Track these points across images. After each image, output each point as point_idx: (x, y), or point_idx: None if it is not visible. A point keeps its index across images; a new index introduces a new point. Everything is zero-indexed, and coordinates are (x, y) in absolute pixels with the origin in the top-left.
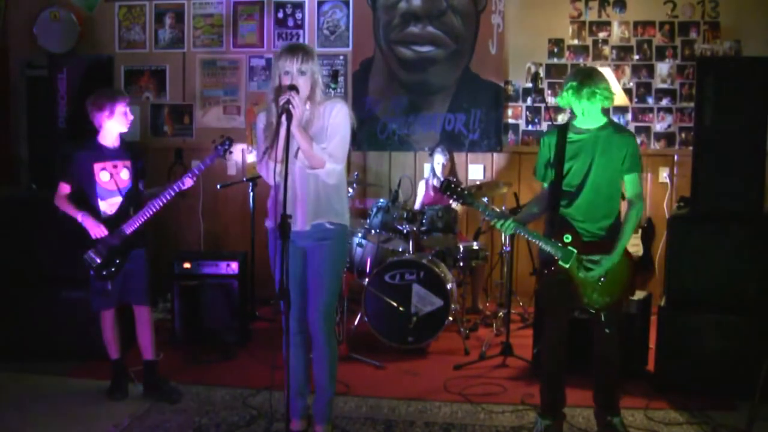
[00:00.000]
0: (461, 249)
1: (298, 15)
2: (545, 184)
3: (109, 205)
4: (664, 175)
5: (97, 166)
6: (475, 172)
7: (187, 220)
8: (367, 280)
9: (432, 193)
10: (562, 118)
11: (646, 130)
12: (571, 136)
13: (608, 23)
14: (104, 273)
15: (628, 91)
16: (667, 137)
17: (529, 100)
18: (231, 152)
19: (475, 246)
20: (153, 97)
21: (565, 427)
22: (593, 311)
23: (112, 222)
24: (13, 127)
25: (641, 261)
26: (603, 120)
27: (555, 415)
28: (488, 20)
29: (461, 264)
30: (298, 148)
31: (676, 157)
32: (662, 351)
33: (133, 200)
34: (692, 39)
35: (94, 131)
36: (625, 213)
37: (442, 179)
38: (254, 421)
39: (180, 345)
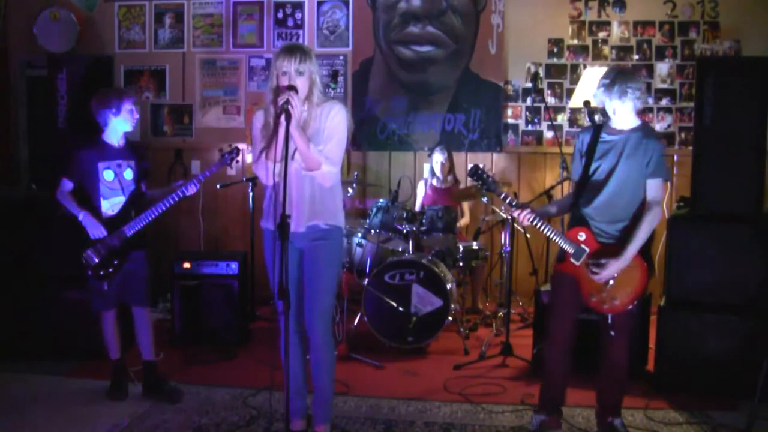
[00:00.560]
0: (461, 249)
1: (298, 15)
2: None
3: (111, 205)
4: None
5: (101, 165)
6: None
7: (187, 220)
8: (366, 280)
9: (431, 193)
10: (561, 119)
11: None
12: (604, 136)
13: (608, 23)
14: (101, 273)
15: None
16: (667, 137)
17: (528, 100)
18: (237, 161)
19: (474, 246)
20: (153, 97)
21: (565, 427)
22: (601, 313)
23: (114, 222)
24: (12, 126)
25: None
26: (636, 122)
27: (551, 414)
28: (488, 20)
29: (461, 264)
30: (295, 149)
31: (675, 157)
32: (662, 351)
33: (135, 201)
34: (692, 39)
35: (95, 130)
36: (642, 217)
37: (442, 178)
38: (254, 421)
39: (180, 345)
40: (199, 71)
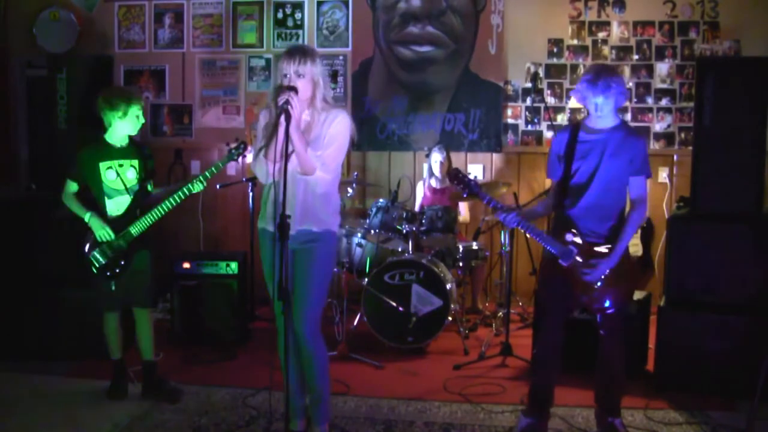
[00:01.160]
0: (461, 249)
1: (298, 15)
2: (555, 181)
3: (116, 204)
4: (663, 175)
5: (102, 165)
6: (475, 172)
7: (187, 220)
8: (366, 280)
9: (430, 194)
10: (561, 119)
11: (646, 130)
12: (583, 135)
13: (608, 23)
14: (108, 274)
15: (627, 91)
16: (667, 137)
17: (528, 100)
18: (244, 156)
19: (474, 246)
20: (152, 97)
21: (564, 427)
22: (591, 312)
23: (119, 222)
24: (12, 127)
25: (641, 261)
26: (616, 121)
27: (540, 415)
28: (488, 20)
29: (461, 264)
30: (293, 150)
31: (675, 157)
32: (662, 351)
33: (140, 201)
34: (692, 39)
35: (95, 130)
36: (627, 215)
37: (440, 178)
38: (254, 421)
39: (180, 345)
40: (199, 71)
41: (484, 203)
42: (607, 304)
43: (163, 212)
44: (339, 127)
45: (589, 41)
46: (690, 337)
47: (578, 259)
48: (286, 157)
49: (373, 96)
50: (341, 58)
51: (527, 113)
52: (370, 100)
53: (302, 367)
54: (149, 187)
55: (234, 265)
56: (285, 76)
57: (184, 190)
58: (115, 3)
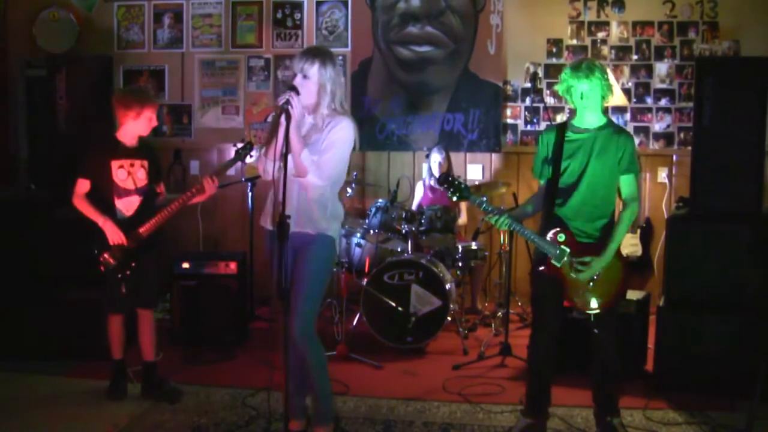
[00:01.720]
0: (460, 249)
1: (297, 15)
2: (542, 182)
3: (124, 204)
4: (662, 175)
5: (114, 163)
6: (474, 172)
7: (186, 220)
8: (365, 280)
9: (429, 194)
10: (560, 119)
11: (645, 130)
12: (570, 135)
13: (607, 23)
14: (119, 276)
15: (626, 91)
16: (666, 137)
17: (527, 100)
18: (251, 156)
19: (473, 246)
20: None
21: (564, 427)
22: (585, 312)
23: (129, 224)
24: (12, 127)
25: (640, 261)
26: (603, 120)
27: (538, 415)
28: (487, 20)
29: (460, 264)
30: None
31: (674, 157)
32: (661, 351)
33: (150, 202)
34: (691, 39)
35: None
36: (619, 214)
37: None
38: (253, 421)
39: (179, 345)
40: (198, 71)
41: (476, 206)
42: (599, 303)
43: (170, 214)
44: (339, 133)
45: (588, 41)
46: (689, 337)
47: (570, 258)
48: (286, 156)
49: (372, 96)
50: (340, 58)
51: (526, 113)
52: (369, 100)
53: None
54: (161, 189)
55: (233, 265)
56: (293, 75)
57: (192, 190)
58: (115, 3)
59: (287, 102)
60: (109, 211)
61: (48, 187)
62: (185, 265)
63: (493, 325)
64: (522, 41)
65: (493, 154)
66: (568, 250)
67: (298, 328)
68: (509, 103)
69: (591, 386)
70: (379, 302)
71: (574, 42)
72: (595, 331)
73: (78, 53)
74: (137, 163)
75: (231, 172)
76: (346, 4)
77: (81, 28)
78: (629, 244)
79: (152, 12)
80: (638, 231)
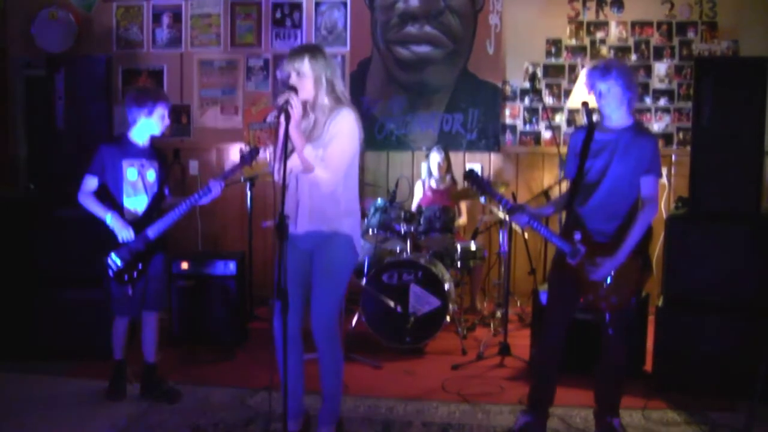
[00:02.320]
0: (459, 249)
1: (296, 15)
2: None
3: (134, 205)
4: None
5: (125, 163)
6: None
7: (185, 220)
8: (364, 280)
9: (428, 194)
10: (559, 119)
11: None
12: (597, 135)
13: (606, 23)
14: (126, 278)
15: None
16: (665, 137)
17: (526, 100)
18: (256, 160)
19: (472, 246)
20: None
21: (563, 428)
22: (598, 311)
23: (138, 225)
24: (11, 127)
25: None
26: (630, 121)
27: (538, 413)
28: (486, 20)
29: (459, 264)
30: (293, 149)
31: (673, 157)
32: (660, 351)
33: (158, 204)
34: (690, 39)
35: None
36: (636, 215)
37: (439, 179)
38: (252, 421)
39: (178, 345)
40: (197, 71)
41: (496, 201)
42: (614, 302)
43: (178, 215)
44: (341, 124)
45: (587, 41)
46: (688, 338)
47: (586, 257)
48: (285, 156)
49: (371, 96)
50: (339, 58)
51: (525, 113)
52: (368, 100)
53: (319, 369)
54: (166, 191)
55: (232, 265)
56: (288, 76)
57: (200, 193)
58: (114, 3)
59: (287, 102)
60: (117, 210)
61: (47, 187)
62: (184, 265)
63: (492, 325)
64: (521, 41)
65: (492, 154)
66: (583, 249)
67: (324, 330)
68: (508, 103)
69: (595, 386)
70: (378, 302)
71: (573, 42)
72: (609, 331)
73: (77, 53)
74: (148, 164)
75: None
76: (345, 4)
77: (80, 28)
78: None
79: (151, 12)
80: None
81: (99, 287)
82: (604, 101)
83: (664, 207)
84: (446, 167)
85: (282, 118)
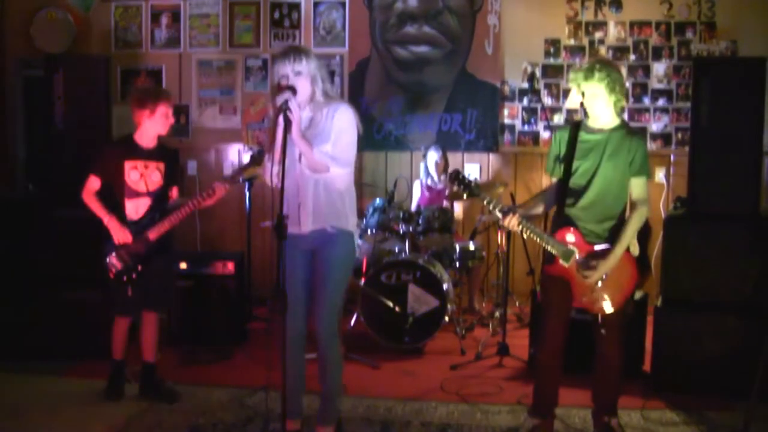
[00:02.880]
0: (458, 249)
1: (294, 15)
2: (553, 179)
3: (135, 206)
4: (660, 175)
5: (127, 164)
6: (472, 172)
7: (184, 220)
8: (363, 280)
9: (426, 194)
10: (558, 119)
11: (643, 131)
12: (583, 135)
13: (604, 23)
14: (125, 279)
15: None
16: (664, 137)
17: (525, 101)
18: (260, 164)
19: (471, 246)
20: None
21: (561, 428)
22: (593, 313)
23: (138, 226)
24: (10, 127)
25: (637, 261)
26: (616, 121)
27: (545, 415)
28: (484, 20)
29: (458, 264)
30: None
31: (672, 158)
32: (659, 351)
33: (160, 205)
34: (688, 39)
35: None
36: (627, 216)
37: (437, 178)
38: (251, 421)
39: (177, 345)
40: (196, 71)
41: (485, 204)
42: (606, 304)
43: (181, 218)
44: (343, 121)
45: (585, 41)
46: (687, 338)
47: (578, 259)
48: (284, 155)
49: (369, 96)
50: (338, 58)
51: (524, 113)
52: (366, 101)
53: (318, 368)
54: (172, 192)
55: (231, 266)
56: (283, 77)
57: (204, 194)
58: (112, 3)
59: (286, 102)
60: (118, 211)
61: (46, 187)
62: (183, 266)
63: (490, 325)
64: (519, 41)
65: (491, 154)
66: (576, 250)
67: (325, 327)
68: (507, 103)
69: (592, 386)
70: (377, 302)
71: (572, 42)
72: (602, 331)
73: (75, 53)
74: (152, 165)
75: (228, 172)
76: (343, 5)
77: (78, 28)
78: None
79: (150, 12)
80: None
81: (98, 287)
82: (589, 102)
83: (662, 207)
84: (444, 166)
85: (281, 119)
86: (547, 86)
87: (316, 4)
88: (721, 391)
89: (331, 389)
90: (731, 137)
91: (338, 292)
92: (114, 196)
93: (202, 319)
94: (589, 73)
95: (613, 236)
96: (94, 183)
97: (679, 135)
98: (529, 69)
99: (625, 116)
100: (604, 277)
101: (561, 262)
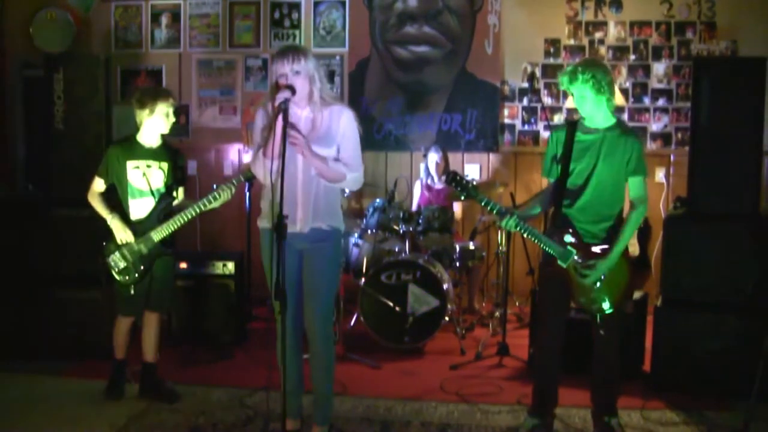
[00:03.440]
0: (457, 249)
1: (294, 15)
2: (550, 180)
3: (138, 205)
4: (660, 175)
5: (130, 164)
6: (472, 171)
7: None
8: (363, 280)
9: (426, 193)
10: (558, 119)
11: (643, 130)
12: (579, 135)
13: (604, 23)
14: (127, 278)
15: (624, 91)
16: (664, 137)
17: (525, 100)
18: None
19: (471, 246)
20: None
21: (561, 427)
22: (591, 312)
23: (141, 226)
24: (9, 127)
25: (637, 261)
26: (611, 120)
27: (544, 415)
28: (484, 20)
29: (458, 264)
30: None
31: (672, 157)
32: (658, 351)
33: (164, 205)
34: (688, 39)
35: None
36: (626, 216)
37: (437, 178)
38: (251, 421)
39: (177, 345)
40: (196, 71)
41: (482, 206)
42: (605, 304)
43: (186, 219)
44: (348, 127)
45: (585, 41)
46: (687, 338)
47: (576, 260)
48: (284, 155)
49: (369, 96)
50: (338, 58)
51: (524, 113)
52: (366, 101)
53: (310, 367)
54: (178, 193)
55: (231, 265)
56: (282, 76)
57: (210, 197)
58: (112, 3)
59: (285, 102)
60: (121, 211)
61: (45, 187)
62: (183, 266)
63: (490, 325)
64: (519, 41)
65: (491, 154)
66: (574, 251)
67: (320, 326)
68: (507, 103)
69: (591, 386)
70: (377, 302)
71: (572, 42)
72: (601, 332)
73: (75, 53)
74: (155, 164)
75: (228, 172)
76: (343, 4)
77: (78, 28)
78: (628, 244)
79: (149, 12)
80: (636, 231)
81: (98, 287)
82: (578, 104)
83: (662, 207)
84: (444, 166)
85: (280, 118)
86: (547, 86)
87: (316, 4)
88: (721, 391)
89: (324, 390)
90: (731, 137)
91: (332, 290)
92: (118, 196)
93: (202, 319)
94: (572, 76)
95: (610, 236)
96: (98, 184)
97: (679, 135)
98: (529, 69)
99: (625, 116)
100: (602, 277)
101: (559, 262)
